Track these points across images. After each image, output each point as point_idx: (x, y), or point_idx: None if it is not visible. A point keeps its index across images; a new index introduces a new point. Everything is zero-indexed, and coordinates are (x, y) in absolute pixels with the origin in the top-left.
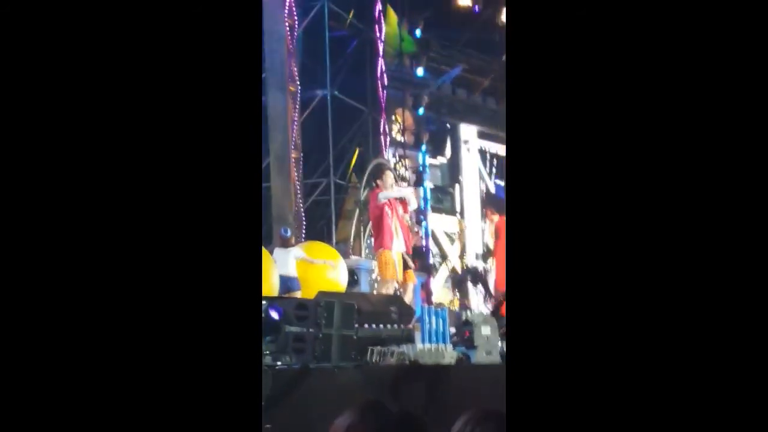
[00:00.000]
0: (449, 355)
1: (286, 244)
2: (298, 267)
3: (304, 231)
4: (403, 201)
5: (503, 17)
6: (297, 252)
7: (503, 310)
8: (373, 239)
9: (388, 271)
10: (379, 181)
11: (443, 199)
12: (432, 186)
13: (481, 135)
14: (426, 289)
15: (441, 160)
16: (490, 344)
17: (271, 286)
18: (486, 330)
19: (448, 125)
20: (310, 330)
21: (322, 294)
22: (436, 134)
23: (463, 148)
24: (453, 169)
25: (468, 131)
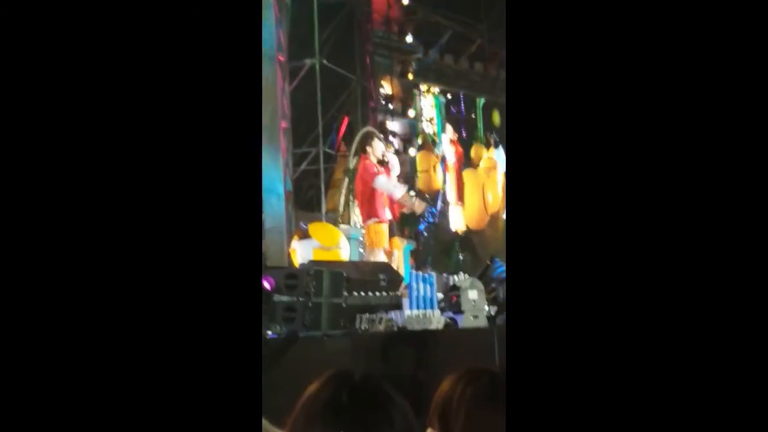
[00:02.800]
0: (437, 320)
1: (304, 236)
2: (315, 254)
3: (293, 201)
4: (386, 168)
5: None
6: (314, 242)
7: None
8: (359, 208)
9: (377, 240)
10: (368, 148)
11: None
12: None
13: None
14: (415, 256)
15: None
16: (476, 308)
17: None
18: (473, 294)
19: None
20: (300, 299)
21: (311, 263)
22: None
23: None
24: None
25: None
